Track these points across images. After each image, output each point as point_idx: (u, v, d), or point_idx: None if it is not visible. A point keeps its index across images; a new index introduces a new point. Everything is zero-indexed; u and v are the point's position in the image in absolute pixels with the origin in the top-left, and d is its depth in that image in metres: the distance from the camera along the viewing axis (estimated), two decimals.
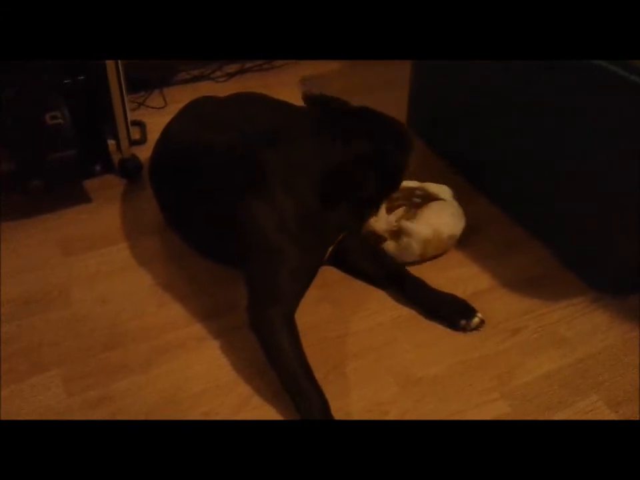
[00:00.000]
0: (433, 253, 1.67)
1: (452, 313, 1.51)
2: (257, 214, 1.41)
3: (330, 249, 1.53)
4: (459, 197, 1.73)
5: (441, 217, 1.66)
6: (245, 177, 1.45)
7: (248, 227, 1.43)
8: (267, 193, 1.41)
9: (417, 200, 1.67)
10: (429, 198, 1.68)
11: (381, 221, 1.63)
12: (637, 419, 1.33)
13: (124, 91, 1.80)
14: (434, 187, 1.72)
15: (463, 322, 1.50)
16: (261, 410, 1.34)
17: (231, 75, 2.51)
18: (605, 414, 1.34)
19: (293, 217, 1.41)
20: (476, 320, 1.50)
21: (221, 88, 2.38)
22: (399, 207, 1.65)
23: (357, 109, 1.51)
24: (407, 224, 1.61)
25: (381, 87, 2.43)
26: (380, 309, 1.57)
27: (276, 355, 1.34)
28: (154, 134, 1.84)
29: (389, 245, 1.64)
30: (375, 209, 1.60)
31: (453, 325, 1.51)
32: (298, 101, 1.87)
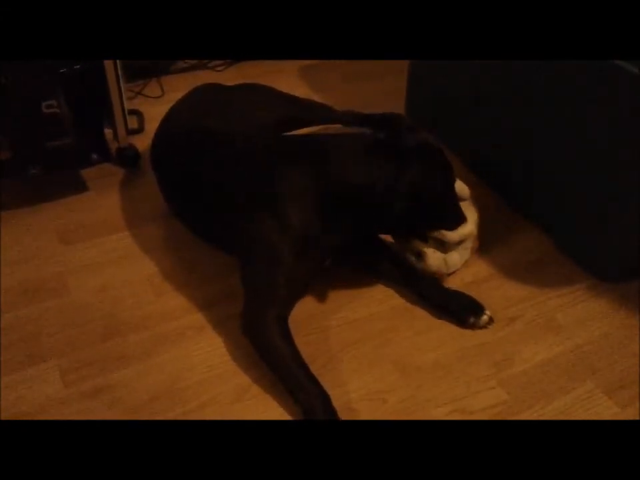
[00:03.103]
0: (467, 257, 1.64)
1: (461, 310, 1.52)
2: (260, 218, 1.41)
3: (327, 261, 1.51)
4: None
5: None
6: (251, 177, 1.45)
7: (250, 228, 1.42)
8: (272, 198, 1.41)
9: None
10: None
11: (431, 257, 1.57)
12: (633, 405, 1.34)
13: (121, 79, 1.79)
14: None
15: (471, 319, 1.50)
16: (260, 399, 1.34)
17: (229, 64, 2.49)
18: (602, 401, 1.35)
19: (295, 224, 1.40)
20: (485, 318, 1.50)
21: (219, 76, 2.38)
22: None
23: (405, 141, 1.44)
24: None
25: (381, 74, 2.43)
26: (379, 297, 1.57)
27: (272, 353, 1.34)
28: (151, 123, 1.83)
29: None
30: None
31: (462, 322, 1.51)
32: (298, 91, 1.87)
